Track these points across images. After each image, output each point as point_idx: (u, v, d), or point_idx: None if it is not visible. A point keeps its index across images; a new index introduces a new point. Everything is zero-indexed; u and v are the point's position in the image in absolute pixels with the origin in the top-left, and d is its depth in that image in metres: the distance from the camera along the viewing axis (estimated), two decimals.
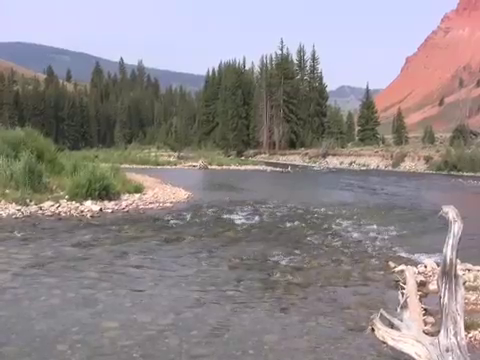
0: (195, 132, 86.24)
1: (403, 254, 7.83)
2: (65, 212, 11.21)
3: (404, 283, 5.70)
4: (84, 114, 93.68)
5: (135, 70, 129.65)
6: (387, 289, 5.99)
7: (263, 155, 63.83)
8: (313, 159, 51.98)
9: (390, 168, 40.06)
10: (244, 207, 13.19)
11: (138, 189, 14.65)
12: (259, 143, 67.67)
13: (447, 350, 3.38)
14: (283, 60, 68.14)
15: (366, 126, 61.64)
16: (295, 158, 56.33)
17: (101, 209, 11.71)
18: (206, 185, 23.52)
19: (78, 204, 11.75)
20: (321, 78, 70.71)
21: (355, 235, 9.43)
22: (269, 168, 37.94)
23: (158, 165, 37.51)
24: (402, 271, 6.45)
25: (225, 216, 11.58)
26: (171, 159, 46.41)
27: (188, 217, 11.33)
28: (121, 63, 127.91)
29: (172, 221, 10.68)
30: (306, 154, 55.24)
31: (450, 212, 3.60)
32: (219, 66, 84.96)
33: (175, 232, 9.40)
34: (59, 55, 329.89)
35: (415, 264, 7.00)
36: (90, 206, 11.74)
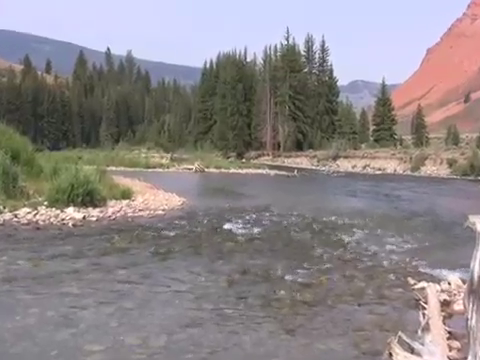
0: (190, 131, 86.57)
1: (424, 269, 7.83)
2: (44, 220, 11.20)
3: (425, 302, 5.68)
4: (66, 110, 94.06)
5: (123, 61, 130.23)
6: (406, 309, 5.95)
7: (266, 157, 64.08)
8: (322, 162, 52.20)
9: (409, 172, 40.17)
10: (245, 215, 13.23)
11: (126, 194, 14.69)
12: (262, 144, 68.01)
13: None
14: (289, 51, 68.43)
15: (382, 125, 61.77)
16: (302, 161, 56.57)
17: (84, 217, 11.72)
18: (203, 190, 23.58)
19: (58, 211, 11.75)
20: (331, 71, 71.42)
21: (370, 247, 9.44)
22: (273, 172, 38.09)
23: (149, 168, 37.66)
24: (423, 288, 6.44)
25: (224, 225, 11.62)
26: (163, 161, 46.49)
27: (182, 226, 11.38)
28: (108, 53, 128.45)
29: (165, 231, 10.71)
30: (314, 156, 55.56)
31: (478, 223, 3.58)
32: (217, 57, 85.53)
33: (168, 243, 9.44)
34: (38, 44, 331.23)
35: (438, 281, 6.98)
36: (72, 214, 11.73)
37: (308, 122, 66.00)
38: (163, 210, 13.72)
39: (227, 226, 11.52)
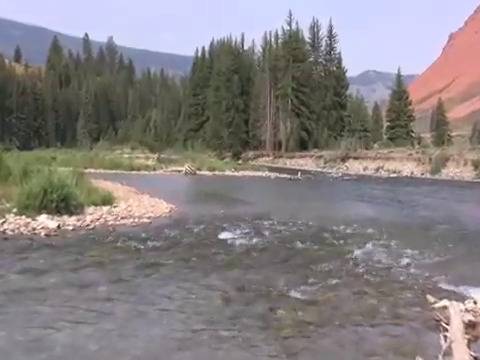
0: (180, 128, 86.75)
1: (445, 286, 7.83)
2: (12, 230, 11.17)
3: (447, 323, 5.67)
4: (38, 104, 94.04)
5: (103, 49, 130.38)
6: (425, 330, 5.95)
7: (266, 158, 64.33)
8: (329, 163, 52.43)
9: (428, 175, 40.28)
10: (242, 224, 13.29)
11: (107, 200, 14.69)
12: (261, 143, 68.30)
13: None
14: (292, 38, 68.82)
15: (397, 122, 61.99)
16: (306, 162, 56.81)
17: (59, 226, 11.69)
18: (194, 196, 23.63)
19: (29, 219, 11.71)
20: (340, 60, 71.68)
21: (383, 260, 9.49)
22: (273, 174, 38.25)
23: (133, 170, 37.75)
24: (444, 308, 6.39)
25: (218, 235, 11.69)
26: (149, 162, 46.58)
27: (171, 236, 11.43)
28: (86, 40, 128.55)
29: (151, 241, 10.75)
30: (320, 157, 55.75)
31: None
32: (211, 45, 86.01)
33: (154, 255, 9.47)
34: (6, 28, 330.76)
35: (461, 299, 6.81)
36: (45, 222, 11.70)
37: (313, 118, 66.30)
38: (149, 218, 13.73)
39: (221, 236, 11.59)
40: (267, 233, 12.24)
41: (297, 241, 11.13)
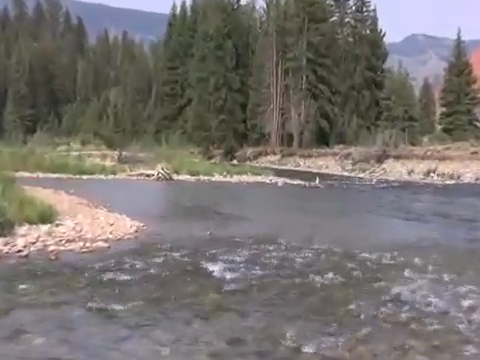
0: (150, 116, 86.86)
1: None
2: None
3: None
4: None
5: (42, 3, 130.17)
6: None
7: (271, 157, 64.50)
8: (360, 165, 52.43)
9: None
10: (237, 250, 13.25)
11: (47, 216, 14.65)
12: (264, 136, 68.14)
13: None
14: None
15: (457, 107, 62.06)
16: (328, 163, 57.10)
17: None
18: (170, 210, 23.61)
19: None
20: (375, 21, 71.75)
21: (435, 302, 9.43)
22: (281, 180, 38.29)
23: (84, 174, 37.73)
24: None
25: (203, 266, 11.66)
26: (107, 163, 46.71)
27: (137, 267, 11.38)
28: None
29: (109, 274, 10.70)
30: (347, 156, 55.67)
31: None
32: None
33: (113, 295, 9.39)
34: None
35: None
36: None
37: (337, 102, 66.30)
38: (106, 241, 13.68)
39: (208, 267, 11.53)
40: (272, 263, 12.19)
41: (313, 274, 11.08)
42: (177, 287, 10.03)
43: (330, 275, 11.03)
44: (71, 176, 35.95)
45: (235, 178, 39.47)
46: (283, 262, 12.33)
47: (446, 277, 11.10)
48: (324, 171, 51.17)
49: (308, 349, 7.15)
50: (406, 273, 11.37)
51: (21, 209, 14.32)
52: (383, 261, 12.64)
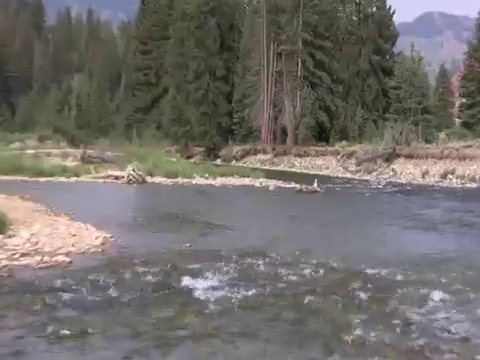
0: (120, 107, 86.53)
1: None
2: None
3: None
4: None
5: None
6: None
7: (261, 156, 64.83)
8: (366, 165, 51.69)
9: None
10: (221, 265, 12.76)
11: None
12: (253, 131, 67.52)
13: None
14: None
15: (478, 97, 60.68)
16: (328, 163, 56.53)
17: None
18: (142, 218, 23.13)
19: None
20: None
21: (453, 326, 8.98)
22: (273, 183, 37.85)
23: (41, 176, 37.04)
24: None
25: (182, 284, 11.09)
26: (69, 163, 46.16)
27: (104, 286, 10.81)
28: None
29: (70, 295, 10.12)
30: (351, 155, 54.95)
31: None
32: None
33: (75, 319, 8.98)
34: None
35: None
36: None
37: (339, 91, 64.40)
38: (67, 255, 13.15)
39: (187, 286, 10.97)
40: (261, 281, 11.59)
41: (310, 294, 10.59)
42: (150, 310, 9.56)
43: (330, 295, 10.69)
44: (27, 178, 35.32)
45: (219, 181, 38.93)
46: (275, 280, 11.80)
47: (466, 297, 10.80)
48: (323, 172, 51.28)
49: None
50: (420, 292, 10.96)
51: None
52: (393, 279, 12.16)
